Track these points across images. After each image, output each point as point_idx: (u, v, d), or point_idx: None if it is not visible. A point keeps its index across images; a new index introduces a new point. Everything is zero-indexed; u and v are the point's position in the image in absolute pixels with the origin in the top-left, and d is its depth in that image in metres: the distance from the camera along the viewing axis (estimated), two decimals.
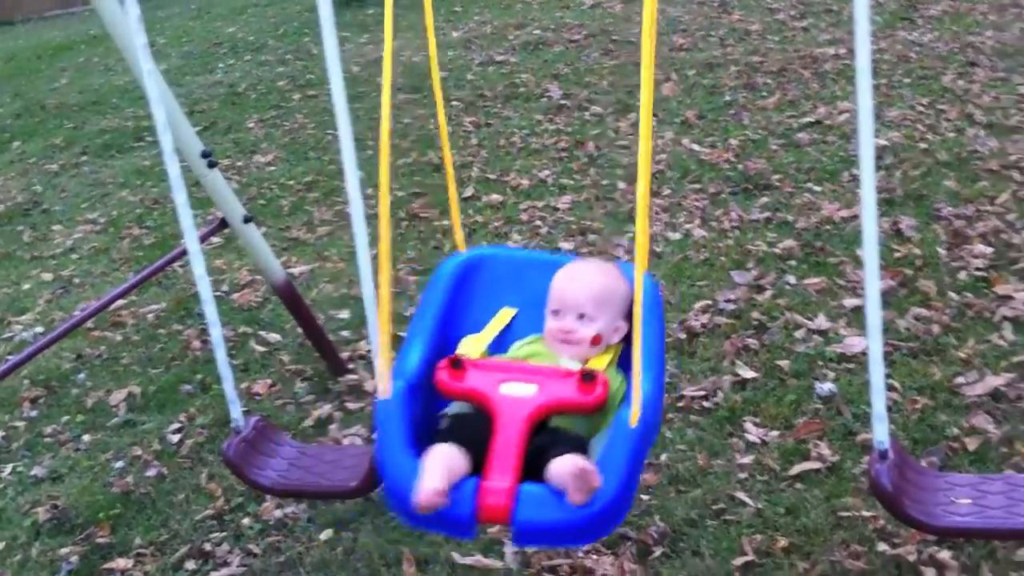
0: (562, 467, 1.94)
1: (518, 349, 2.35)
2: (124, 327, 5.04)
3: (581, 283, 2.31)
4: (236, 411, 2.75)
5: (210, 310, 2.61)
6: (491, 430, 2.05)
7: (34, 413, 4.39)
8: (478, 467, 2.02)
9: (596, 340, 2.27)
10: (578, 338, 2.27)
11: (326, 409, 4.07)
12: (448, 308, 2.45)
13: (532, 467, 2.00)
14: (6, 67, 12.45)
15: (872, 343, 2.25)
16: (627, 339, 2.29)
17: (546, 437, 2.07)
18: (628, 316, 2.28)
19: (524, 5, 10.65)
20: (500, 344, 2.39)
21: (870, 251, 2.06)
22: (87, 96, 10.11)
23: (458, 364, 2.16)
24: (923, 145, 5.83)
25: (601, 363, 2.25)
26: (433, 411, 2.25)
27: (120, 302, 5.22)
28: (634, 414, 2.00)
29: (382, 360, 2.13)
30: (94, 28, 13.51)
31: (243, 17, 13.29)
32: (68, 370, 4.71)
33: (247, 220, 3.63)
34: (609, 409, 2.14)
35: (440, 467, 1.97)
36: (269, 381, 4.34)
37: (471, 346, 2.33)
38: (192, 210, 2.47)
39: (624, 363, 2.26)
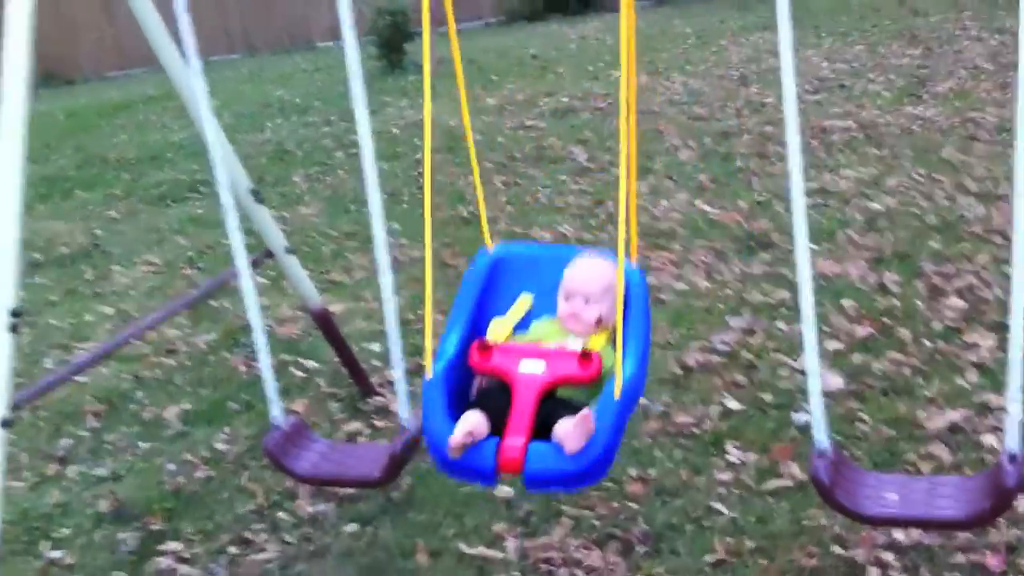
0: (566, 421, 2.50)
1: (535, 328, 2.89)
2: (178, 354, 5.58)
3: (589, 274, 2.85)
4: (276, 409, 3.23)
5: (254, 317, 3.12)
6: (510, 401, 2.60)
7: (97, 424, 4.92)
8: (500, 431, 2.58)
9: (598, 321, 2.81)
10: (584, 318, 2.80)
11: (356, 426, 4.57)
12: (480, 296, 2.98)
13: (541, 429, 2.57)
14: (68, 123, 13.21)
15: (809, 356, 2.71)
16: None
17: (551, 405, 2.61)
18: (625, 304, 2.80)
19: (555, 75, 11.28)
20: (523, 323, 2.93)
21: (803, 266, 2.56)
22: (144, 151, 10.80)
23: (486, 347, 2.71)
24: (915, 211, 6.30)
25: (600, 340, 2.79)
26: (467, 382, 2.83)
27: (175, 332, 5.79)
28: (617, 388, 2.55)
29: (427, 349, 2.71)
30: (151, 89, 14.31)
31: (291, 81, 14.06)
32: (127, 389, 5.24)
33: (289, 251, 4.16)
34: (604, 379, 2.66)
35: (467, 424, 2.55)
36: (306, 401, 4.85)
37: (498, 328, 2.87)
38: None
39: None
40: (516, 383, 2.63)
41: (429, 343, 2.72)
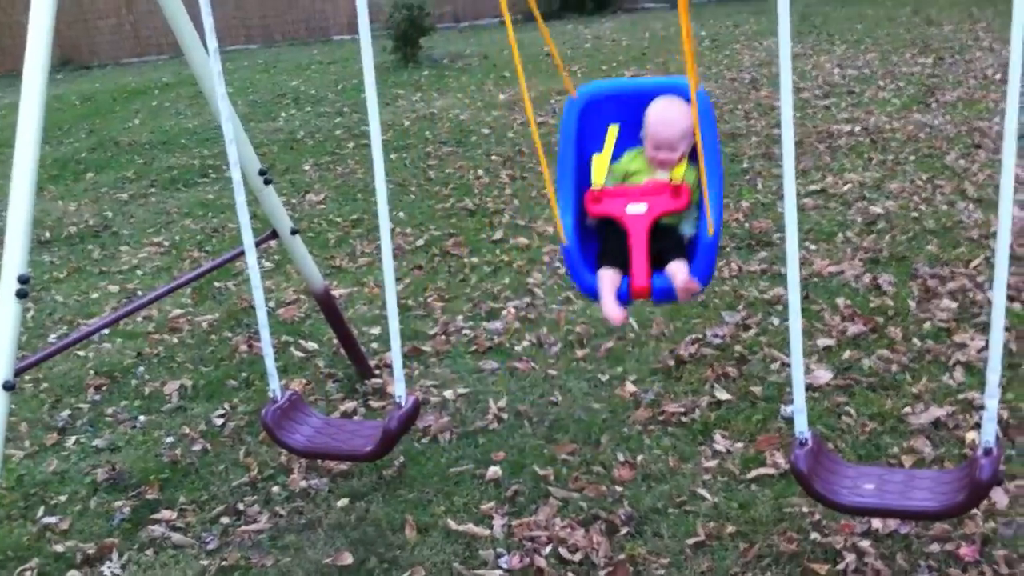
0: (674, 275, 3.16)
1: (629, 162, 3.43)
2: (181, 332, 5.67)
3: (670, 127, 3.34)
4: (275, 383, 3.32)
5: (257, 291, 3.21)
6: (626, 243, 3.22)
7: (97, 397, 5.01)
8: (626, 269, 3.23)
9: (680, 157, 3.38)
10: (671, 163, 3.36)
11: (351, 405, 4.64)
12: (577, 138, 3.48)
13: (656, 260, 3.22)
14: (84, 107, 13.36)
15: (793, 347, 2.78)
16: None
17: (661, 242, 3.24)
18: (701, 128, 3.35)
19: (569, 74, 11.34)
20: (616, 154, 3.46)
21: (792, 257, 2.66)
22: (157, 136, 10.92)
23: (596, 196, 3.33)
24: (915, 214, 6.35)
25: (682, 168, 3.35)
26: (586, 229, 3.40)
27: (178, 311, 5.88)
28: (709, 225, 3.15)
29: (559, 223, 3.29)
30: (167, 76, 14.43)
31: (306, 73, 14.16)
32: (129, 364, 5.33)
33: (294, 232, 4.23)
34: (692, 201, 3.28)
35: (610, 290, 3.20)
36: (304, 380, 4.93)
37: (599, 164, 3.42)
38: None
39: (691, 156, 3.34)
40: (627, 225, 3.25)
41: (557, 214, 3.29)
